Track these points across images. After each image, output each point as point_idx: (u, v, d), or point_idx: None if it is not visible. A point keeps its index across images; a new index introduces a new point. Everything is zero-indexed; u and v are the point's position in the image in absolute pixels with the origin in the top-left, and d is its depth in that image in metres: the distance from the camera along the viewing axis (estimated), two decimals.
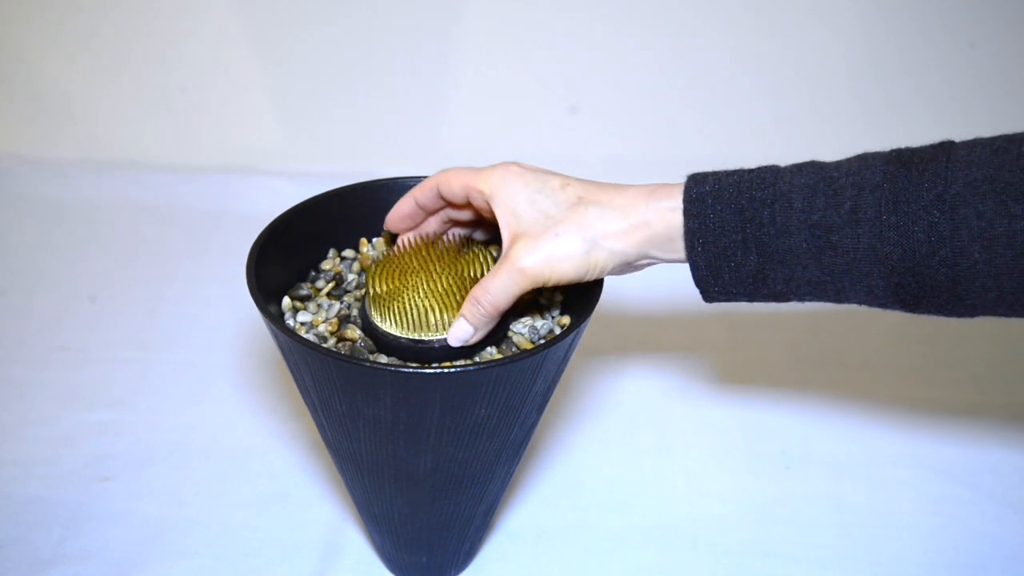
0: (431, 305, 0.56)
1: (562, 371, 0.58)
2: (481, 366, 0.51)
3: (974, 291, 0.48)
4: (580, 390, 0.85)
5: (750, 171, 0.53)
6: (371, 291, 0.57)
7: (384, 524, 0.63)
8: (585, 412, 0.83)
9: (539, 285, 0.54)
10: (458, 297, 0.56)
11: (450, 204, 0.60)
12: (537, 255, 0.53)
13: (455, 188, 0.57)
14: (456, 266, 0.58)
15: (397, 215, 0.62)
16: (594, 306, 0.56)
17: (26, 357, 0.88)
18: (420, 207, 0.61)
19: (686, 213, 0.52)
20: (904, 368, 0.89)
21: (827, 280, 0.51)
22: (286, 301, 0.61)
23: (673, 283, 0.99)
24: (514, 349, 0.58)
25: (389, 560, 0.68)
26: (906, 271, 0.49)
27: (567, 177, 0.56)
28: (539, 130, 1.17)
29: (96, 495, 0.73)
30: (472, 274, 0.57)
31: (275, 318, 0.54)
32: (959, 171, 0.48)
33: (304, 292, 0.62)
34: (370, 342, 0.58)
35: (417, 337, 0.56)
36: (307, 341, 0.52)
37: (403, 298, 0.56)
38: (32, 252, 1.04)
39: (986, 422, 0.83)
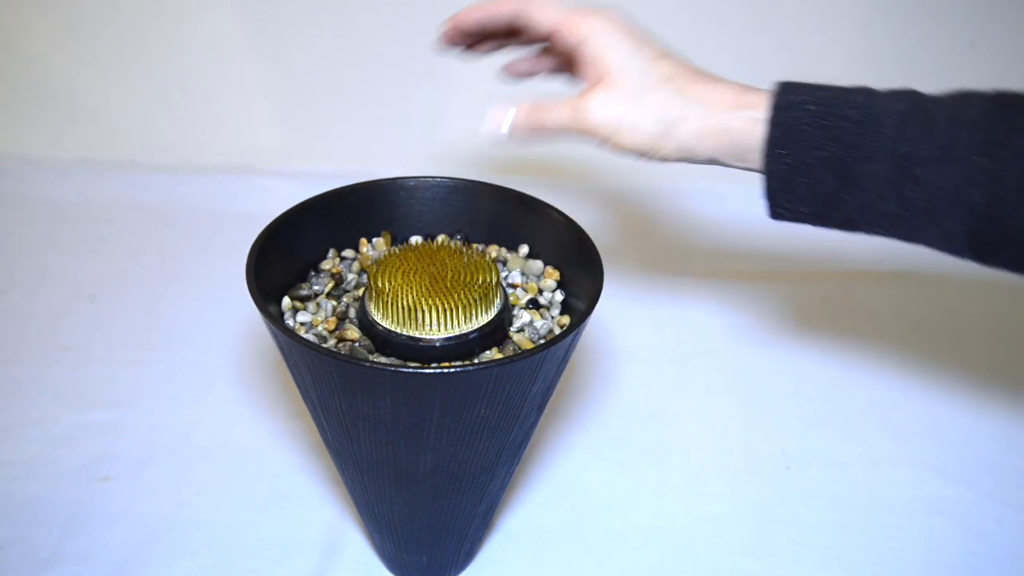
0: (433, 303, 0.56)
1: (562, 371, 0.58)
2: (481, 366, 0.51)
3: None
4: (580, 390, 0.85)
5: (844, 88, 0.51)
6: (373, 287, 0.57)
7: (384, 524, 0.63)
8: (585, 412, 0.83)
9: (594, 137, 0.52)
10: (463, 297, 0.56)
11: (522, 33, 0.58)
12: (609, 111, 0.51)
13: (545, 19, 0.55)
14: (460, 271, 0.58)
15: (456, 27, 0.60)
16: (594, 306, 0.56)
17: (26, 357, 0.88)
18: (486, 28, 0.59)
19: (771, 121, 0.50)
20: (904, 368, 0.89)
21: (903, 215, 0.49)
22: (286, 301, 0.61)
23: (672, 282, 0.99)
24: (514, 349, 0.58)
25: (389, 560, 0.68)
26: (989, 218, 0.46)
27: (663, 49, 0.54)
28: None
29: (96, 495, 0.73)
30: (477, 279, 0.58)
31: (275, 318, 0.54)
32: None
33: (304, 292, 0.62)
34: (369, 342, 0.58)
35: (417, 335, 0.56)
36: (307, 341, 0.52)
37: (406, 295, 0.56)
38: (32, 252, 1.04)
39: (986, 422, 0.83)
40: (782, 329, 0.94)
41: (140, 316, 0.94)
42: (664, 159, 0.53)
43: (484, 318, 0.57)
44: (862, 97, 0.50)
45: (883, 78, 1.20)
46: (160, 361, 0.88)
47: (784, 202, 0.52)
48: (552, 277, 0.64)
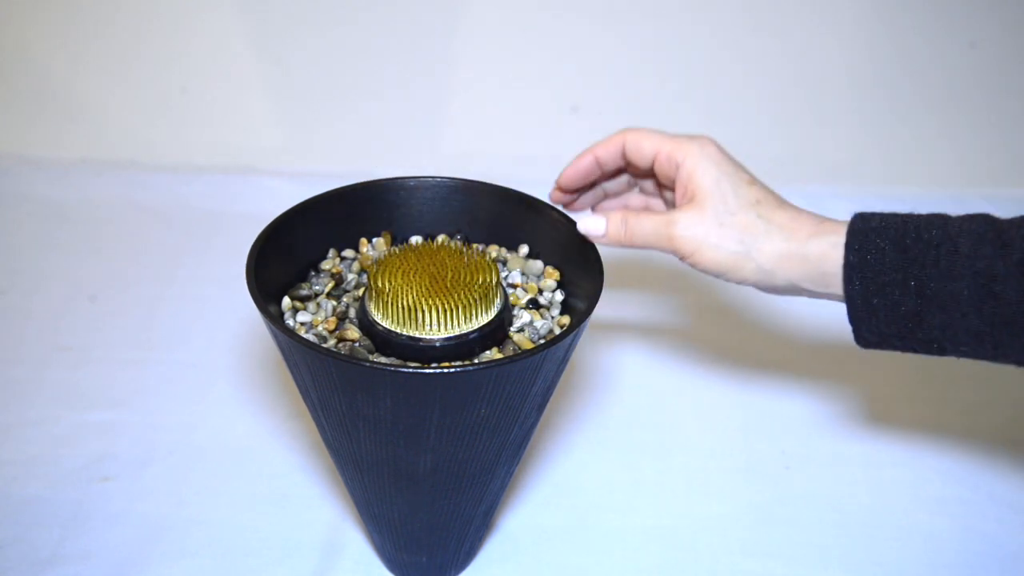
0: (433, 303, 0.56)
1: (562, 371, 0.58)
2: (481, 366, 0.51)
3: None
4: (580, 390, 0.85)
5: (918, 215, 0.53)
6: (373, 287, 0.57)
7: (384, 524, 0.63)
8: (585, 412, 0.83)
9: (677, 255, 0.55)
10: (463, 298, 0.56)
11: (630, 167, 0.62)
12: (695, 229, 0.54)
13: (645, 149, 0.58)
14: (460, 271, 0.58)
15: (574, 171, 0.62)
16: (594, 306, 0.56)
17: (26, 357, 0.88)
18: (599, 164, 0.61)
19: (848, 246, 0.52)
20: (904, 368, 0.89)
21: (985, 331, 0.50)
22: (286, 301, 0.61)
23: (674, 282, 0.99)
24: (514, 349, 0.58)
25: (389, 560, 0.68)
26: None
27: (755, 178, 0.57)
28: (539, 130, 1.17)
29: (96, 495, 0.73)
30: (477, 280, 0.57)
31: (275, 318, 0.54)
32: None
33: (304, 292, 0.62)
34: (369, 342, 0.58)
35: (416, 335, 0.56)
36: (307, 341, 0.52)
37: (405, 295, 0.56)
38: (32, 252, 1.04)
39: (986, 422, 0.83)
40: (782, 329, 0.94)
41: (140, 316, 0.94)
42: (743, 281, 0.55)
43: (484, 318, 0.57)
44: (937, 219, 0.52)
45: (883, 78, 1.21)
46: (160, 361, 0.88)
47: (869, 324, 0.53)
48: (552, 277, 0.64)
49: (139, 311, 0.94)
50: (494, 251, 0.67)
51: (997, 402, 0.85)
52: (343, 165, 1.08)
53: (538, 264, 0.65)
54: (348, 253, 0.66)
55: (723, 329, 0.94)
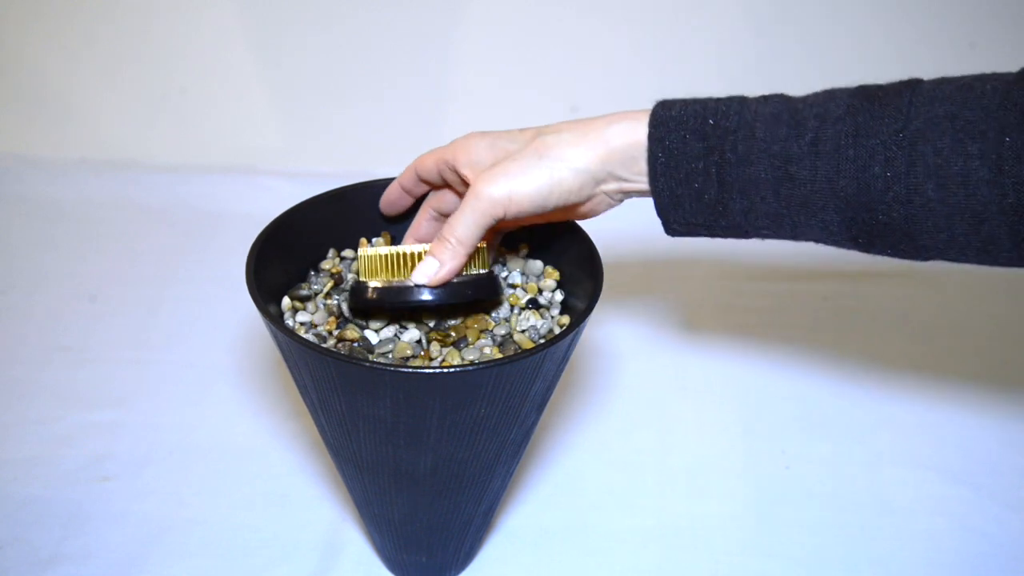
0: (418, 254, 0.56)
1: (562, 371, 0.58)
2: (481, 366, 0.51)
3: (926, 231, 0.48)
4: (580, 390, 0.85)
5: (717, 100, 0.53)
6: (362, 255, 0.57)
7: (384, 524, 0.63)
8: (585, 412, 0.83)
9: (502, 211, 0.54)
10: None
11: (430, 185, 0.62)
12: (496, 180, 0.53)
13: (428, 165, 0.60)
14: None
15: (386, 201, 0.64)
16: (594, 306, 0.56)
17: (26, 357, 0.88)
18: (405, 191, 0.63)
19: (650, 137, 0.52)
20: (904, 367, 0.89)
21: (784, 213, 0.51)
22: (286, 301, 0.61)
23: (674, 282, 0.99)
24: (515, 349, 0.58)
25: (389, 560, 0.68)
26: (861, 207, 0.48)
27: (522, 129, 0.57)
28: None
29: (96, 495, 0.73)
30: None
31: (275, 318, 0.54)
32: (922, 107, 0.48)
33: (304, 292, 0.62)
34: (367, 341, 0.58)
35: (407, 283, 0.56)
36: (307, 341, 0.52)
37: (393, 251, 0.56)
38: (32, 252, 1.04)
39: (986, 422, 0.83)
40: (783, 329, 0.94)
41: (140, 316, 0.94)
42: (567, 196, 0.54)
43: (475, 270, 0.57)
44: (735, 104, 0.52)
45: (883, 78, 1.20)
46: (160, 361, 0.88)
47: (676, 216, 0.54)
48: (552, 277, 0.64)
49: (139, 311, 0.94)
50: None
51: (997, 402, 0.85)
52: (343, 165, 1.08)
53: (538, 264, 0.65)
54: (348, 253, 0.66)
55: (723, 329, 0.94)
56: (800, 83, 1.12)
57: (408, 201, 0.64)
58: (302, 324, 0.59)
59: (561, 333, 0.54)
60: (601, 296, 0.57)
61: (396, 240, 0.68)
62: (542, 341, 0.59)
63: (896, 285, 1.00)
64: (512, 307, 0.62)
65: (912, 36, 1.10)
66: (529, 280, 0.65)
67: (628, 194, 0.56)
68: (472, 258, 0.57)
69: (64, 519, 0.71)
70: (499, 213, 0.54)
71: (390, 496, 0.59)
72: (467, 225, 0.54)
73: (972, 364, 0.90)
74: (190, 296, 0.97)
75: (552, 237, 0.65)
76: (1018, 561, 0.70)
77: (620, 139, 0.53)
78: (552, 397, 0.60)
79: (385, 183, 0.66)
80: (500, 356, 0.57)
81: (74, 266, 1.01)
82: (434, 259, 0.55)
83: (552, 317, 0.62)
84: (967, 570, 0.69)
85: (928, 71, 1.21)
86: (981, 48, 1.10)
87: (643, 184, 0.54)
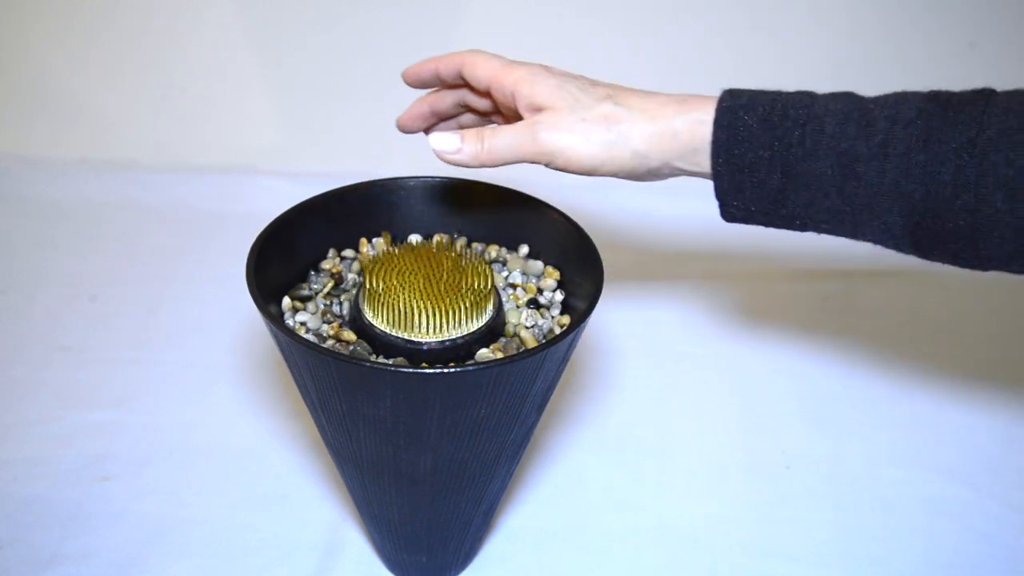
0: (424, 306, 0.56)
1: (562, 371, 0.58)
2: (481, 366, 0.51)
3: (992, 241, 0.47)
4: (580, 390, 0.85)
5: (787, 92, 0.53)
6: (367, 286, 0.57)
7: (384, 524, 0.63)
8: (585, 412, 0.83)
9: (548, 160, 0.54)
10: (453, 303, 0.56)
11: (469, 88, 0.60)
12: (558, 131, 0.53)
13: (480, 76, 0.57)
14: (455, 274, 0.58)
15: (414, 74, 0.62)
16: (594, 306, 0.56)
17: (26, 357, 0.88)
18: (440, 78, 0.60)
19: (716, 123, 0.52)
20: (904, 367, 0.89)
21: (846, 211, 0.50)
22: (286, 301, 0.61)
23: (672, 282, 0.99)
24: (518, 347, 0.58)
25: (389, 560, 0.68)
26: (926, 212, 0.48)
27: (593, 79, 0.56)
28: None
29: (96, 495, 0.73)
30: (471, 284, 0.57)
31: (275, 318, 0.54)
32: (995, 117, 0.47)
33: (304, 292, 0.62)
34: (365, 343, 0.58)
35: (407, 336, 0.56)
36: (307, 341, 0.52)
37: (398, 296, 0.56)
38: (32, 252, 1.04)
39: (986, 422, 0.83)
40: (782, 329, 0.94)
41: (140, 316, 0.94)
42: (618, 170, 0.55)
43: (476, 323, 0.57)
44: (805, 98, 0.52)
45: (883, 78, 1.20)
46: (160, 361, 0.88)
47: (734, 201, 0.53)
48: (552, 277, 0.64)
49: (139, 311, 0.94)
50: (494, 251, 0.67)
51: (997, 402, 0.85)
52: (343, 165, 1.08)
53: (538, 264, 0.65)
54: (348, 253, 0.66)
55: (723, 329, 0.94)
56: (800, 83, 1.12)
57: (436, 86, 0.62)
58: (302, 324, 0.59)
59: (561, 333, 0.54)
60: (601, 296, 0.57)
61: (396, 240, 0.68)
62: (542, 341, 0.59)
63: (896, 285, 1.00)
64: (512, 306, 0.62)
65: (912, 36, 1.11)
66: (529, 280, 0.65)
67: (680, 175, 0.56)
68: (475, 303, 0.57)
69: (64, 519, 0.71)
70: (544, 161, 0.54)
71: (390, 496, 0.59)
72: (508, 146, 0.53)
73: (972, 364, 0.90)
74: (190, 296, 0.97)
75: (552, 237, 0.65)
76: (1018, 561, 0.70)
77: (687, 132, 0.53)
78: (552, 397, 0.60)
79: (385, 183, 0.66)
80: (500, 356, 0.57)
81: (74, 266, 1.01)
82: (460, 142, 0.54)
83: (552, 317, 0.62)
84: (967, 570, 0.69)
85: (928, 71, 1.22)
86: (981, 48, 1.10)
87: (700, 170, 0.54)
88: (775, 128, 0.51)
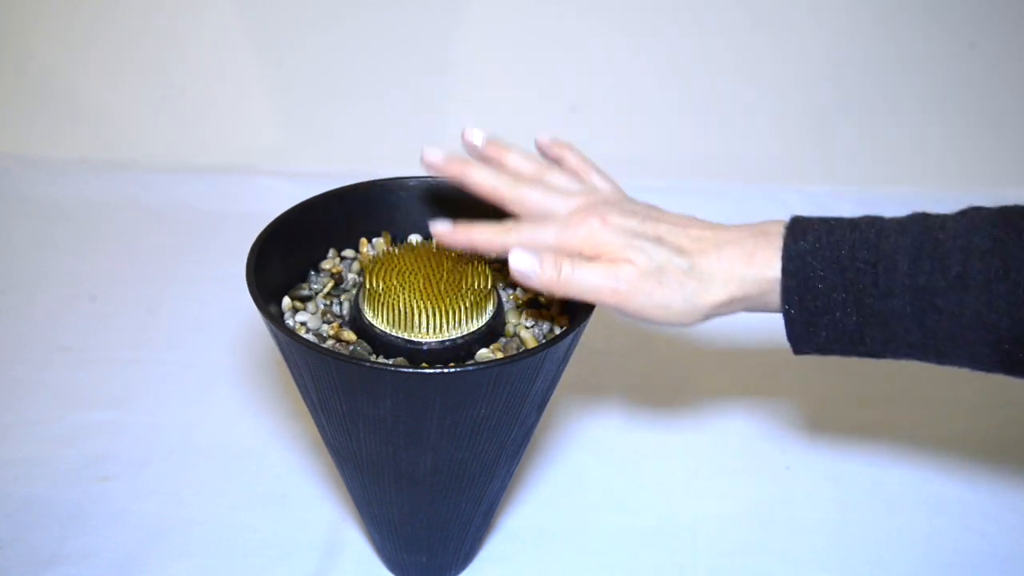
0: (424, 306, 0.56)
1: (562, 371, 0.58)
2: (481, 366, 0.51)
3: None
4: (580, 390, 0.85)
5: (851, 225, 0.52)
6: (367, 286, 0.57)
7: (384, 524, 0.63)
8: (585, 412, 0.83)
9: (620, 311, 0.54)
10: (453, 303, 0.56)
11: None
12: (639, 294, 0.52)
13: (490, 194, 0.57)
14: (455, 274, 0.58)
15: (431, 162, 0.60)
16: (594, 306, 0.56)
17: (26, 357, 0.88)
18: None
19: (784, 271, 0.52)
20: (904, 368, 0.89)
21: (929, 343, 0.50)
22: (286, 301, 0.61)
23: None
24: (518, 346, 0.58)
25: (389, 560, 0.68)
26: (1014, 340, 0.48)
27: (656, 214, 0.55)
28: (539, 130, 1.17)
29: (96, 495, 0.73)
30: (471, 284, 0.57)
31: (275, 318, 0.54)
32: None
33: (304, 292, 0.62)
34: (365, 343, 0.58)
35: (407, 336, 0.56)
36: (307, 341, 0.52)
37: (398, 296, 0.56)
38: (32, 252, 1.04)
39: (986, 422, 0.83)
40: (782, 328, 0.94)
41: (140, 316, 0.94)
42: (692, 324, 0.55)
43: (476, 323, 0.57)
44: (871, 233, 0.51)
45: (883, 79, 1.20)
46: (160, 361, 0.88)
47: (808, 342, 0.54)
48: None
49: (139, 311, 0.94)
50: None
51: (997, 402, 0.85)
52: (343, 165, 1.07)
53: None
54: (348, 253, 0.66)
55: (723, 329, 0.94)
56: (800, 82, 1.11)
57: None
58: (302, 324, 0.59)
59: (561, 333, 0.54)
60: None
61: (396, 240, 0.68)
62: (543, 341, 0.59)
63: None
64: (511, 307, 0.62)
65: (912, 36, 1.10)
66: None
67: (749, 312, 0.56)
68: (475, 303, 0.57)
69: (64, 519, 0.71)
70: (615, 309, 0.53)
71: (390, 496, 0.59)
72: (589, 291, 0.53)
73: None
74: (190, 296, 0.97)
75: None
76: (1018, 561, 0.70)
77: (754, 282, 0.53)
78: (552, 397, 0.60)
79: (385, 183, 0.66)
80: (500, 356, 0.57)
81: (74, 266, 1.01)
82: (537, 264, 0.52)
83: (552, 317, 0.62)
84: (967, 570, 0.69)
85: (928, 71, 1.22)
86: (981, 48, 1.10)
87: (771, 309, 0.54)
88: (846, 271, 0.50)
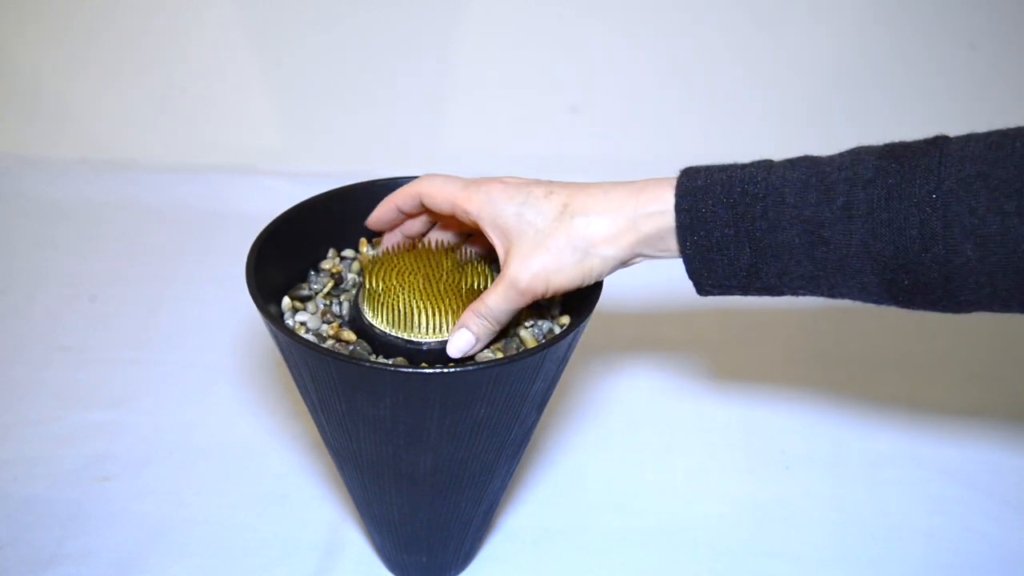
0: (424, 306, 0.56)
1: (562, 371, 0.58)
2: (481, 366, 0.51)
3: (967, 288, 0.48)
4: (580, 390, 0.85)
5: (742, 166, 0.53)
6: (367, 286, 0.57)
7: (384, 524, 0.63)
8: (585, 412, 0.83)
9: (537, 298, 0.55)
10: (453, 303, 0.56)
11: (433, 215, 0.61)
12: (531, 271, 0.54)
13: (439, 203, 0.58)
14: (455, 274, 0.58)
15: (377, 220, 0.62)
16: (594, 306, 0.56)
17: (26, 357, 0.88)
18: (402, 212, 0.61)
19: (677, 208, 0.53)
20: (904, 367, 0.89)
21: (819, 275, 0.51)
22: (286, 301, 0.61)
23: (672, 282, 0.99)
24: (518, 346, 0.58)
25: (389, 560, 0.68)
26: (898, 268, 0.49)
27: (550, 184, 0.56)
28: (539, 130, 1.17)
29: (96, 495, 0.73)
30: (470, 284, 0.58)
31: (275, 318, 0.54)
32: (952, 167, 0.48)
33: (304, 292, 0.62)
34: (365, 343, 0.58)
35: (407, 337, 0.56)
36: (307, 341, 0.52)
37: (398, 296, 0.56)
38: (32, 252, 1.04)
39: (986, 422, 0.83)
40: (782, 328, 0.94)
41: (140, 316, 0.94)
42: (600, 276, 0.56)
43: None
44: (761, 171, 0.52)
45: (883, 78, 1.21)
46: (160, 361, 0.88)
47: (708, 279, 0.54)
48: None
49: (139, 311, 0.94)
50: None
51: (997, 402, 0.85)
52: (343, 165, 1.08)
53: None
54: (348, 253, 0.66)
55: (723, 329, 0.94)
56: (800, 82, 1.11)
57: (402, 221, 0.63)
58: (302, 324, 0.59)
59: (561, 333, 0.54)
60: (601, 296, 0.57)
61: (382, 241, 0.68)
62: (543, 341, 0.59)
63: None
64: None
65: (912, 36, 1.11)
66: None
67: (654, 259, 0.57)
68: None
69: (64, 519, 0.71)
70: (533, 299, 0.55)
71: (390, 496, 0.59)
72: (501, 309, 0.55)
73: (971, 364, 0.90)
74: (190, 296, 0.97)
75: None
76: (1018, 561, 0.70)
77: (649, 223, 0.54)
78: (552, 397, 0.60)
79: (385, 183, 0.66)
80: (500, 356, 0.57)
81: (74, 266, 1.01)
82: (472, 335, 0.55)
83: (552, 317, 0.62)
84: (967, 570, 0.69)
85: (928, 71, 1.22)
86: (981, 48, 1.10)
87: (671, 254, 0.55)
88: (735, 206, 0.52)
